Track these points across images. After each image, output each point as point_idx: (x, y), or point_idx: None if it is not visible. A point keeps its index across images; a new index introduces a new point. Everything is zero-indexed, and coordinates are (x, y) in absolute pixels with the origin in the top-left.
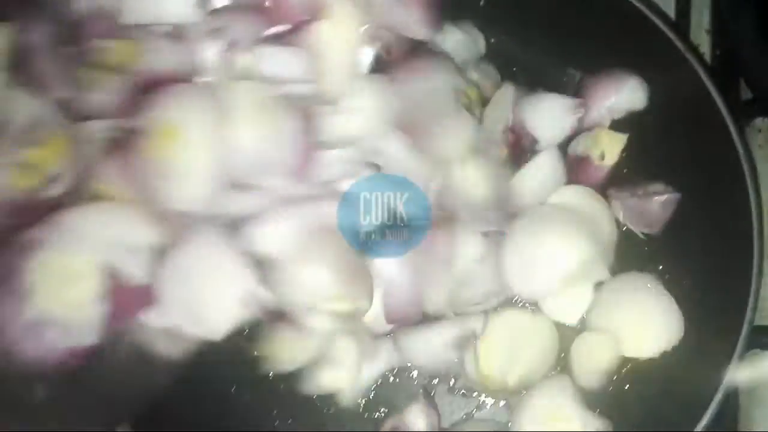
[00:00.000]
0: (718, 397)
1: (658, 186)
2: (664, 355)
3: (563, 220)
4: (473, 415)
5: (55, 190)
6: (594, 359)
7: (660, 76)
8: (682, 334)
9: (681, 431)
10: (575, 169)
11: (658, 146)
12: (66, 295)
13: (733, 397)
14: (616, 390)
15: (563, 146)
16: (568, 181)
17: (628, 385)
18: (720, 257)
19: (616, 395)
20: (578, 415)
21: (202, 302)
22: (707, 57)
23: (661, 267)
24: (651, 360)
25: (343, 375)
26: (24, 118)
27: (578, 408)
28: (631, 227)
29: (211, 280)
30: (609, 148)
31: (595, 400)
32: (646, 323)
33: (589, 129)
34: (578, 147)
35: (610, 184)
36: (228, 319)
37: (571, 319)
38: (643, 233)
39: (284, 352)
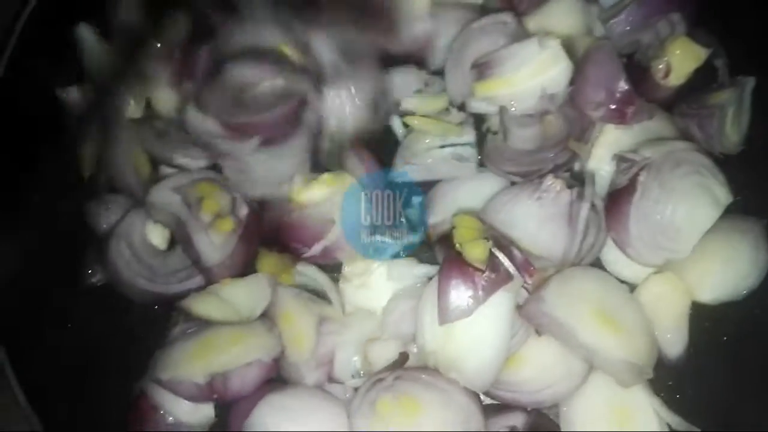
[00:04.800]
0: None
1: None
2: (746, 299)
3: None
4: None
5: (241, 213)
6: (663, 308)
7: None
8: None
9: None
10: (638, 82)
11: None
12: None
13: None
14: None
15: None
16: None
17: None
18: None
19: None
20: (652, 410)
21: None
22: None
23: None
24: (729, 305)
25: None
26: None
27: (653, 400)
28: (707, 148)
29: None
30: (680, 62)
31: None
32: (722, 261)
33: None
34: (643, 56)
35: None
36: None
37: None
38: (721, 154)
39: None
